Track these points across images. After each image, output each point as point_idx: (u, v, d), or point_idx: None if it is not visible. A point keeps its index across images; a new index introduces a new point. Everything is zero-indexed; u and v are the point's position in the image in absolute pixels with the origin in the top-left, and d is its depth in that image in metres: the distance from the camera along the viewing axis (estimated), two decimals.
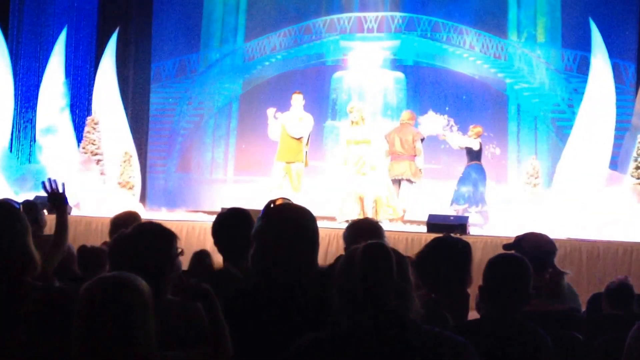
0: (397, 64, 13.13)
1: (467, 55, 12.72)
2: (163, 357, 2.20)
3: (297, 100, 10.19)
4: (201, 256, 5.13)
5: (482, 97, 12.58)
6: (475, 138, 10.62)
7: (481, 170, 10.56)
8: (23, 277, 2.60)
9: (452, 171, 11.63)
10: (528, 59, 12.52)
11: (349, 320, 1.94)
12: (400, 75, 13.07)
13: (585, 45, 11.57)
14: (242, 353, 2.37)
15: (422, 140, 10.30)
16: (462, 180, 10.57)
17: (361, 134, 9.49)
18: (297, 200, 9.43)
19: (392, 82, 13.09)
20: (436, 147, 11.77)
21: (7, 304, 2.52)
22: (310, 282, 2.49)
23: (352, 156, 9.54)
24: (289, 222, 2.56)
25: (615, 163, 10.76)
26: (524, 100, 12.47)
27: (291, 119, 10.01)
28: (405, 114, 10.62)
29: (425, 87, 12.90)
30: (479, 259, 8.12)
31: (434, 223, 8.86)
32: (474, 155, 10.62)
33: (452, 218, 9.19)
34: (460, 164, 11.03)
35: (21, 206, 2.89)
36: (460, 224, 8.80)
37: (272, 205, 2.59)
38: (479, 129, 10.72)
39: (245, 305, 2.53)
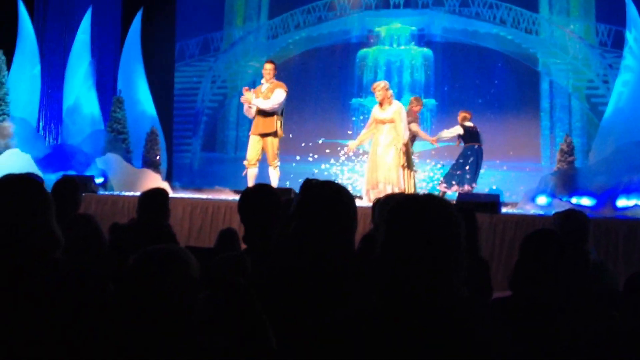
0: (424, 40, 12.92)
1: (497, 31, 12.48)
2: (203, 340, 2.12)
3: (268, 70, 9.70)
4: (228, 235, 5.05)
5: (513, 73, 12.35)
6: (460, 123, 10.54)
7: (473, 152, 10.40)
8: (46, 254, 2.52)
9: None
10: (561, 33, 12.24)
11: (387, 294, 1.84)
12: (427, 51, 12.85)
13: (620, 20, 11.29)
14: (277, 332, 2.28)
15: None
16: (456, 161, 10.50)
17: (385, 113, 9.32)
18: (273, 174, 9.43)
19: (419, 58, 12.88)
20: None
21: (30, 281, 2.44)
22: (348, 261, 2.42)
23: (376, 135, 9.40)
24: (329, 199, 2.50)
25: None
26: (557, 76, 12.21)
27: (260, 93, 9.64)
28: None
29: (454, 64, 12.68)
30: (511, 238, 8.05)
31: (464, 202, 8.70)
32: (466, 138, 10.53)
33: (482, 196, 9.02)
34: (494, 145, 10.93)
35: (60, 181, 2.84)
36: (491, 202, 8.63)
37: (310, 183, 2.52)
38: (463, 114, 10.60)
39: (278, 284, 2.47)
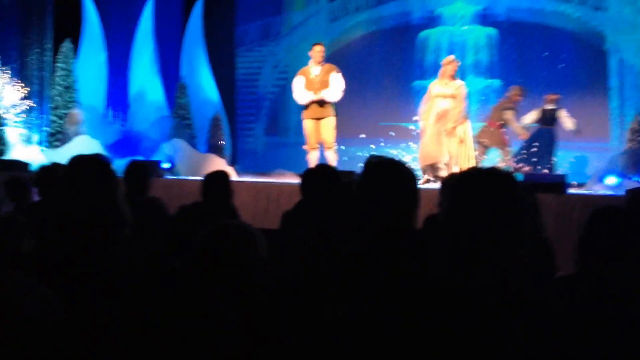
0: (488, 20, 12.70)
1: (564, 9, 12.19)
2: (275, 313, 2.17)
3: (318, 51, 9.49)
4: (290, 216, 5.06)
5: (579, 52, 12.06)
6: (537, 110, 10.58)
7: (547, 134, 10.23)
8: (115, 230, 2.60)
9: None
10: (631, 9, 11.87)
11: (443, 265, 1.85)
12: (491, 30, 12.63)
13: None
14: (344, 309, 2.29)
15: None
16: (527, 141, 10.37)
17: (448, 89, 9.20)
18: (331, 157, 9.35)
19: (483, 38, 12.69)
20: (530, 103, 11.42)
21: (100, 255, 2.52)
22: (409, 238, 2.41)
23: (436, 111, 9.25)
24: (390, 176, 2.48)
25: None
26: (627, 53, 11.86)
27: (315, 76, 9.53)
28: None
29: (519, 43, 12.45)
30: (578, 219, 7.89)
31: (529, 182, 8.56)
32: (546, 121, 10.55)
33: (548, 177, 8.87)
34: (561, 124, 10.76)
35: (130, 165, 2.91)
36: (557, 183, 8.47)
37: (373, 161, 2.52)
38: (551, 97, 10.62)
39: (340, 262, 2.46)
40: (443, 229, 1.87)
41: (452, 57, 9.35)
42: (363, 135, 12.16)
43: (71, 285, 2.35)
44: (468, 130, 9.35)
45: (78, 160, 2.70)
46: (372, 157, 2.56)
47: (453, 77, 9.21)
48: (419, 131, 9.77)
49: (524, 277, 1.82)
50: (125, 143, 11.88)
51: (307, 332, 2.15)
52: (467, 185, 1.87)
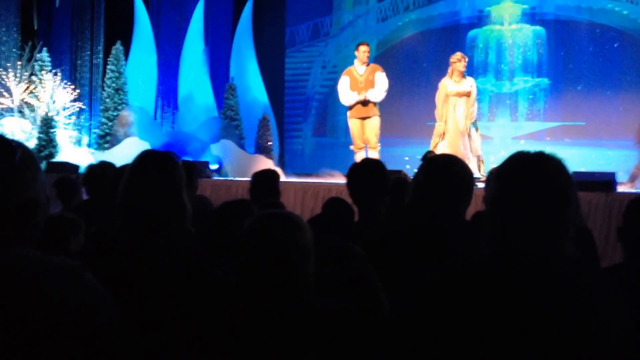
0: (536, 19, 12.57)
1: (613, 6, 12.00)
2: (321, 304, 2.15)
3: (364, 52, 9.51)
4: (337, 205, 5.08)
5: (629, 50, 11.84)
6: None
7: None
8: (179, 223, 2.67)
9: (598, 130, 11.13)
10: None
11: (499, 246, 1.85)
12: (540, 29, 12.50)
13: None
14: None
15: None
16: None
17: (461, 86, 9.16)
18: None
19: (531, 37, 12.56)
20: (578, 101, 11.30)
21: (167, 248, 2.59)
22: (457, 228, 2.53)
23: (452, 110, 9.21)
24: (442, 169, 2.64)
25: None
26: None
27: (360, 76, 9.49)
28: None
29: (567, 41, 12.29)
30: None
31: (579, 180, 8.41)
32: None
33: (597, 175, 8.71)
34: (609, 123, 10.53)
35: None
36: (606, 181, 8.33)
37: (430, 155, 2.63)
38: None
39: (397, 248, 2.57)
40: (490, 215, 1.87)
41: (460, 54, 9.26)
42: (408, 138, 12.11)
43: (128, 281, 2.41)
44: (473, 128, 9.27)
45: (148, 154, 2.77)
46: (429, 152, 2.66)
47: (463, 75, 9.16)
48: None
49: (573, 261, 1.82)
50: (174, 144, 12.02)
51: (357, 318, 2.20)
52: (515, 169, 1.86)
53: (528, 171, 1.84)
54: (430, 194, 2.61)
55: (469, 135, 9.16)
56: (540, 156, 1.86)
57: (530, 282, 1.76)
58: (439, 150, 9.08)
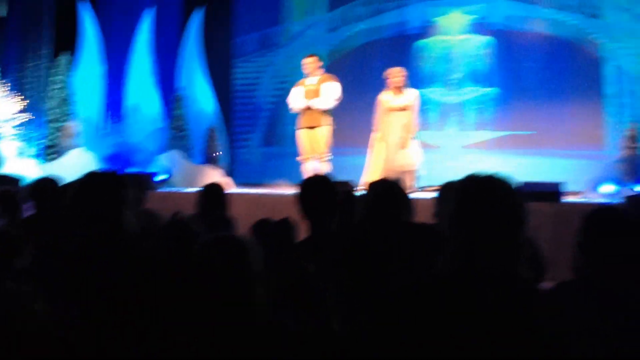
0: (484, 29, 12.69)
1: (560, 17, 12.17)
2: (276, 323, 2.14)
3: (306, 64, 9.61)
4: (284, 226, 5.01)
5: (576, 59, 12.03)
6: None
7: None
8: (113, 245, 2.68)
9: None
10: (627, 16, 11.85)
11: (455, 267, 1.89)
12: (488, 39, 12.62)
13: None
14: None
15: None
16: None
17: (400, 100, 9.24)
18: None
19: (479, 47, 12.67)
20: (527, 110, 11.42)
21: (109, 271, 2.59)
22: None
23: (389, 124, 9.26)
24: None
25: None
26: (623, 61, 11.82)
27: (306, 86, 9.51)
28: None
29: (516, 51, 12.43)
30: (574, 227, 7.84)
31: (525, 191, 8.49)
32: None
33: (544, 185, 8.81)
34: (556, 132, 10.67)
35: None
36: (552, 191, 8.43)
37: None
38: None
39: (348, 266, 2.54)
40: (447, 234, 1.91)
41: (393, 70, 9.34)
42: (356, 149, 12.10)
43: (75, 298, 2.42)
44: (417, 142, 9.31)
45: (92, 176, 2.82)
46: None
47: (401, 89, 9.22)
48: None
49: (525, 281, 1.87)
50: (120, 155, 11.83)
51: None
52: (468, 192, 1.91)
53: (483, 193, 1.88)
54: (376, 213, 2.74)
55: (408, 149, 9.20)
56: (494, 179, 1.92)
57: (482, 303, 1.79)
58: (375, 162, 9.15)
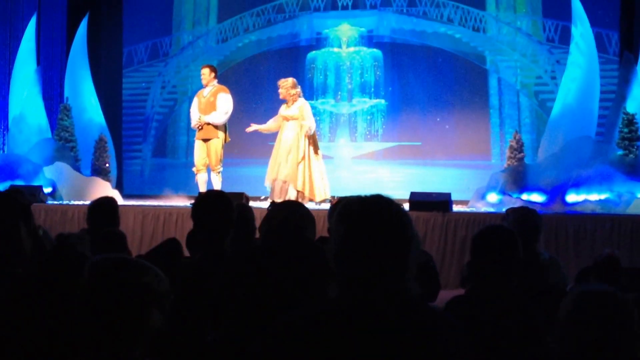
0: (373, 41, 12.94)
1: (445, 30, 12.54)
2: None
3: (204, 75, 9.83)
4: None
5: (461, 71, 12.41)
6: None
7: None
8: (9, 267, 2.61)
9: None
10: (508, 30, 12.33)
11: (345, 294, 1.85)
12: (377, 52, 12.87)
13: (566, 15, 11.33)
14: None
15: None
16: None
17: (289, 110, 9.50)
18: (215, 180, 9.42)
19: (368, 59, 12.90)
20: (414, 122, 11.71)
21: None
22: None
23: (281, 132, 9.59)
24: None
25: (601, 134, 10.65)
26: (505, 73, 12.29)
27: (203, 97, 9.70)
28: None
29: (403, 64, 12.72)
30: (462, 237, 8.10)
31: (416, 201, 8.72)
32: None
33: (434, 195, 9.05)
34: (444, 143, 10.99)
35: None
36: (442, 201, 8.68)
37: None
38: None
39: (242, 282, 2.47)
40: (335, 260, 1.87)
41: (284, 81, 9.64)
42: (248, 160, 12.10)
43: None
44: (312, 149, 9.51)
45: None
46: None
47: (295, 98, 9.53)
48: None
49: (415, 300, 1.85)
50: (4, 167, 11.38)
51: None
52: (356, 216, 1.86)
53: (369, 217, 1.84)
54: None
55: (309, 159, 9.39)
56: (379, 200, 1.88)
57: (372, 329, 1.76)
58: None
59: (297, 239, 2.68)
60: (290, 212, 3.17)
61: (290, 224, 2.96)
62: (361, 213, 1.86)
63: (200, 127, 9.64)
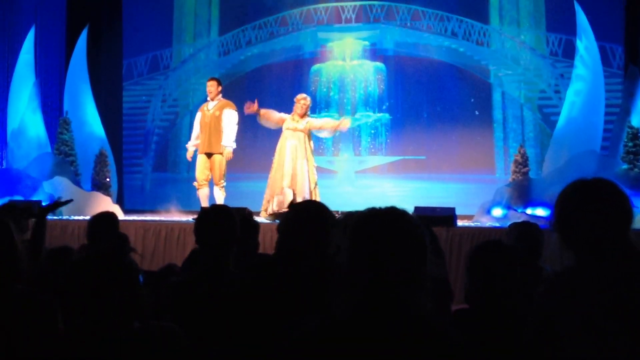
0: (377, 54, 12.90)
1: (449, 44, 12.50)
2: None
3: (210, 88, 9.76)
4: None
5: (465, 86, 12.37)
6: None
7: None
8: (10, 283, 2.62)
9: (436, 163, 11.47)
10: (512, 44, 12.30)
11: (357, 307, 1.84)
12: (380, 65, 12.82)
13: (570, 29, 11.34)
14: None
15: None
16: None
17: (299, 124, 9.56)
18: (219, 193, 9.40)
19: (372, 72, 12.85)
20: (418, 135, 11.62)
21: None
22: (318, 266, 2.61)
23: (286, 143, 9.60)
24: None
25: (606, 148, 10.59)
26: (509, 87, 12.25)
27: (207, 111, 9.67)
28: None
29: (407, 77, 12.67)
30: (467, 251, 8.00)
31: (421, 215, 8.62)
32: None
33: (438, 210, 8.98)
34: (448, 157, 10.92)
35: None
36: (447, 216, 8.61)
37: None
38: None
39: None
40: (348, 271, 1.85)
41: (304, 96, 9.65)
42: (251, 174, 12.04)
43: None
44: (309, 165, 9.50)
45: None
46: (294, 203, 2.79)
47: (303, 116, 9.55)
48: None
49: (429, 314, 1.84)
50: (3, 182, 11.28)
51: None
52: (370, 229, 1.84)
53: (384, 230, 1.82)
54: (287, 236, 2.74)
55: (296, 169, 9.42)
56: (394, 213, 1.86)
57: (385, 342, 1.76)
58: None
59: (314, 249, 2.67)
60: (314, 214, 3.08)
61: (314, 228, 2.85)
62: (378, 226, 1.84)
63: (201, 141, 9.60)
